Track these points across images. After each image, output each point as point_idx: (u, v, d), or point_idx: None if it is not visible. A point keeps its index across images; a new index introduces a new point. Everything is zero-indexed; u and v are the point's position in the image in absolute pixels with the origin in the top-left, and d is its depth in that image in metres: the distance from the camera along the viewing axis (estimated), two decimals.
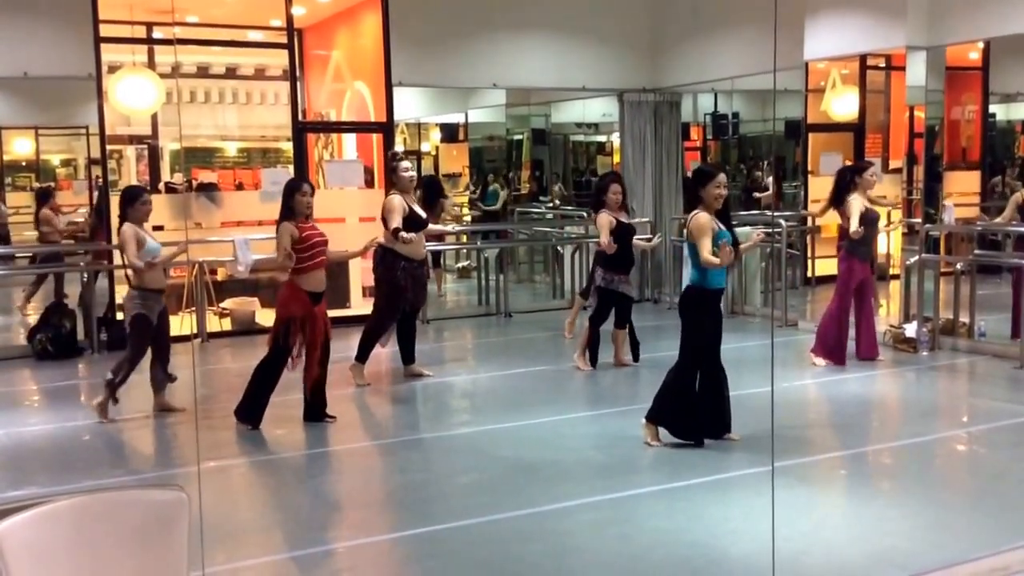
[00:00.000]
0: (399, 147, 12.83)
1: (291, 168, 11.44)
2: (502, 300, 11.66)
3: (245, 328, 10.42)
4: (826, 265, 10.93)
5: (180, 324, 9.52)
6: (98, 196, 10.85)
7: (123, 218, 7.03)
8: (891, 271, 10.70)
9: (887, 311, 10.30)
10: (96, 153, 10.54)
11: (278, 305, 6.95)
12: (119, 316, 9.43)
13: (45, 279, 10.85)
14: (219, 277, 10.98)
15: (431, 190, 8.62)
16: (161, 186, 12.62)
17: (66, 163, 12.83)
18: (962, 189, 10.65)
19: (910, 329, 9.04)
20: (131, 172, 14.72)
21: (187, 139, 15.66)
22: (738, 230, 6.74)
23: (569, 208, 14.52)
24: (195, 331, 10.13)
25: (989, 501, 5.36)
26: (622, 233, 8.17)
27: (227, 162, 16.40)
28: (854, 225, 8.12)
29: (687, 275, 6.40)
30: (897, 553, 4.57)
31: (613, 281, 8.23)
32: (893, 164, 11.52)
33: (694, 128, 13.89)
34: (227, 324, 10.61)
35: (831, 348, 8.42)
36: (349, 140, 13.76)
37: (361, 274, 10.80)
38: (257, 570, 4.66)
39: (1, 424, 7.18)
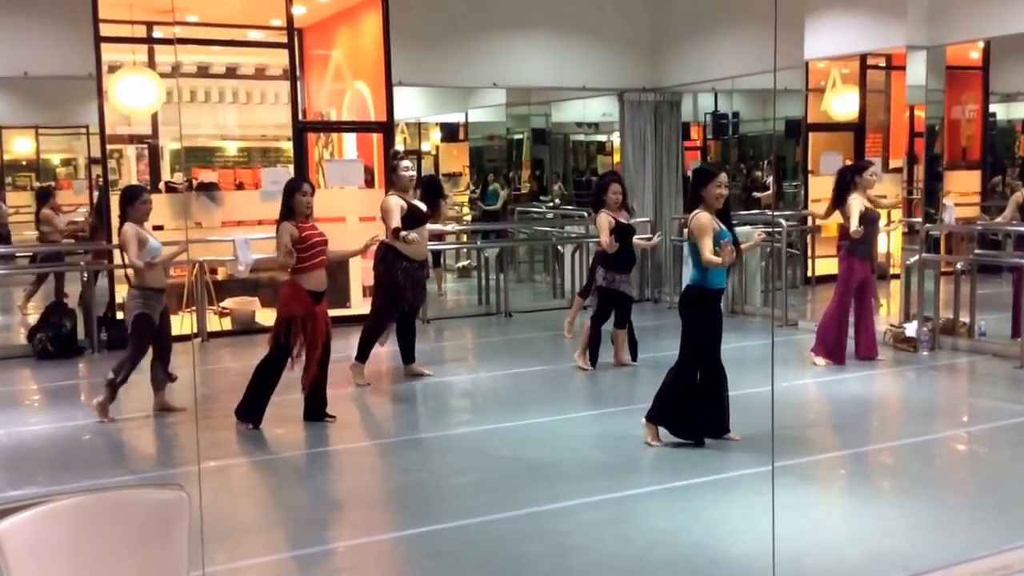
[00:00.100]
0: (399, 147, 12.81)
1: (291, 168, 11.43)
2: (502, 300, 11.66)
3: (245, 328, 10.41)
4: (826, 265, 10.94)
5: (180, 323, 9.52)
6: (98, 196, 10.86)
7: (123, 218, 7.04)
8: (891, 271, 10.70)
9: (887, 311, 10.29)
10: (96, 152, 10.57)
11: (279, 304, 6.96)
12: (119, 315, 9.45)
13: (45, 278, 10.84)
14: (219, 276, 10.98)
15: (431, 190, 8.61)
16: (161, 185, 12.62)
17: (66, 163, 12.82)
18: (962, 189, 10.65)
19: (910, 329, 9.05)
20: (131, 171, 14.73)
21: (187, 139, 15.65)
22: (738, 230, 6.75)
23: (569, 208, 14.52)
24: (195, 330, 10.14)
25: (989, 501, 5.36)
26: (622, 233, 8.16)
27: (227, 162, 16.39)
28: (854, 225, 8.12)
29: (687, 275, 6.39)
30: (897, 553, 4.57)
31: (614, 281, 8.22)
32: (893, 164, 11.54)
33: (694, 128, 13.90)
34: (227, 324, 10.61)
35: (831, 348, 8.43)
36: (349, 140, 13.77)
37: (361, 274, 10.80)
38: (257, 569, 4.66)
39: (1, 424, 7.18)
